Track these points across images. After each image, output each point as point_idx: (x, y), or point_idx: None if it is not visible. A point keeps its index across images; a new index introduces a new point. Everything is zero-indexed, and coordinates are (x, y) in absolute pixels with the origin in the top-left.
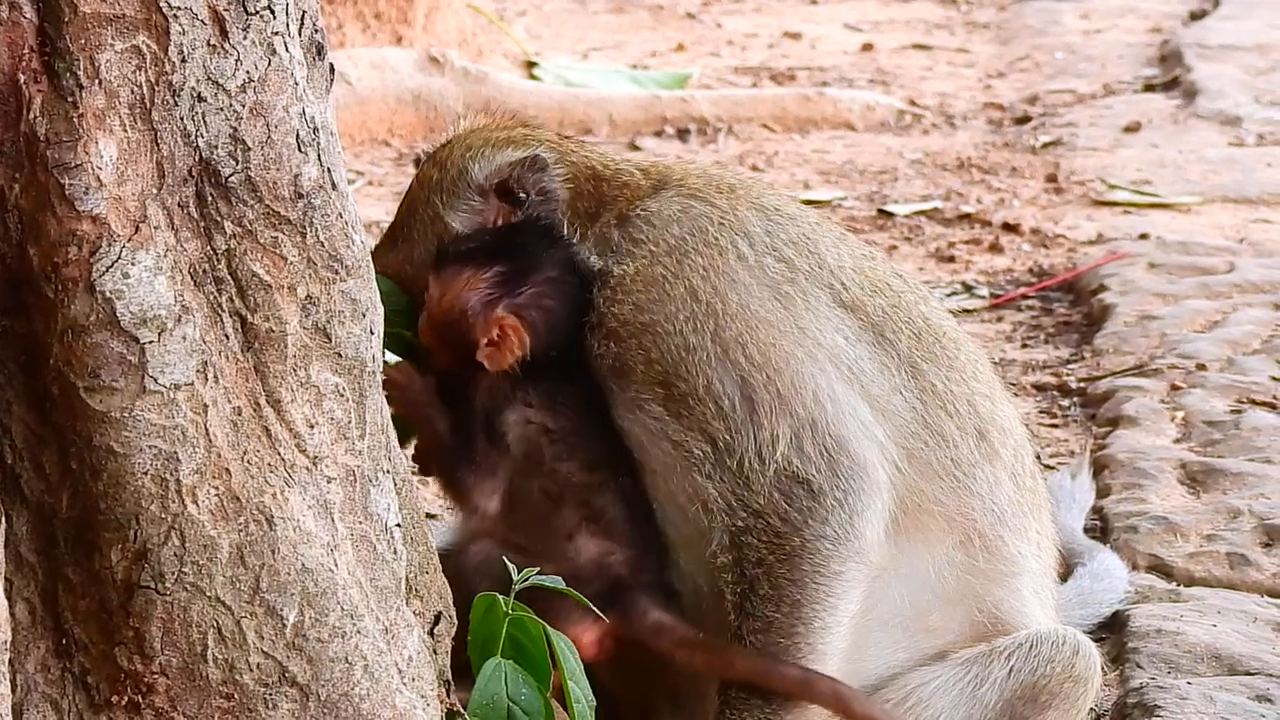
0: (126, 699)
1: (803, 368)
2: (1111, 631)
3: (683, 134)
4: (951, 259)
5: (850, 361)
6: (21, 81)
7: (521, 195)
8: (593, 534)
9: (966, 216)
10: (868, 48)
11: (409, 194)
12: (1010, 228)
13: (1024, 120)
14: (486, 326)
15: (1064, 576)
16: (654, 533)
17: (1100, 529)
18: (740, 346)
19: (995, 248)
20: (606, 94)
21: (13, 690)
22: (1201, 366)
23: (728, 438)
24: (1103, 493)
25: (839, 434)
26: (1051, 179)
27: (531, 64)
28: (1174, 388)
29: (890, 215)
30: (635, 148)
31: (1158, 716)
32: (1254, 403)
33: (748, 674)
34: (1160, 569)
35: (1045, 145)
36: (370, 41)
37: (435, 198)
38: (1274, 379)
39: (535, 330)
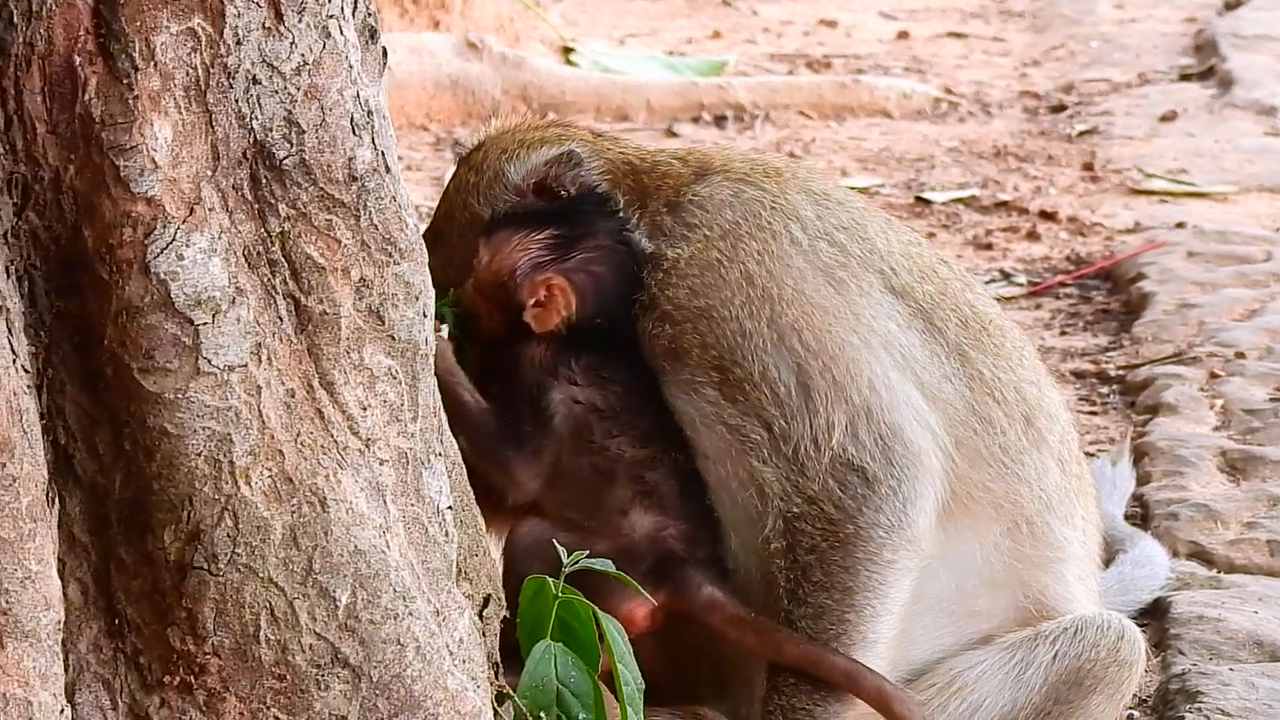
0: (179, 679)
1: (858, 354)
2: (1153, 618)
3: (720, 120)
4: (989, 246)
5: (903, 348)
6: (77, 63)
7: (560, 192)
8: (647, 509)
9: (1003, 204)
10: (903, 36)
11: (446, 197)
12: (1047, 216)
13: (1060, 109)
14: (534, 288)
15: (1106, 563)
16: (707, 508)
17: (1141, 516)
18: (796, 332)
19: (1033, 235)
20: (643, 80)
21: (65, 670)
22: (1240, 355)
23: (783, 424)
24: (1143, 480)
25: (893, 421)
26: (1088, 167)
27: (568, 50)
28: (1213, 376)
29: (928, 203)
30: (672, 134)
31: (1200, 702)
32: None
33: (795, 659)
34: (1201, 556)
35: (1081, 134)
36: (408, 26)
37: (473, 201)
38: None
39: (582, 294)
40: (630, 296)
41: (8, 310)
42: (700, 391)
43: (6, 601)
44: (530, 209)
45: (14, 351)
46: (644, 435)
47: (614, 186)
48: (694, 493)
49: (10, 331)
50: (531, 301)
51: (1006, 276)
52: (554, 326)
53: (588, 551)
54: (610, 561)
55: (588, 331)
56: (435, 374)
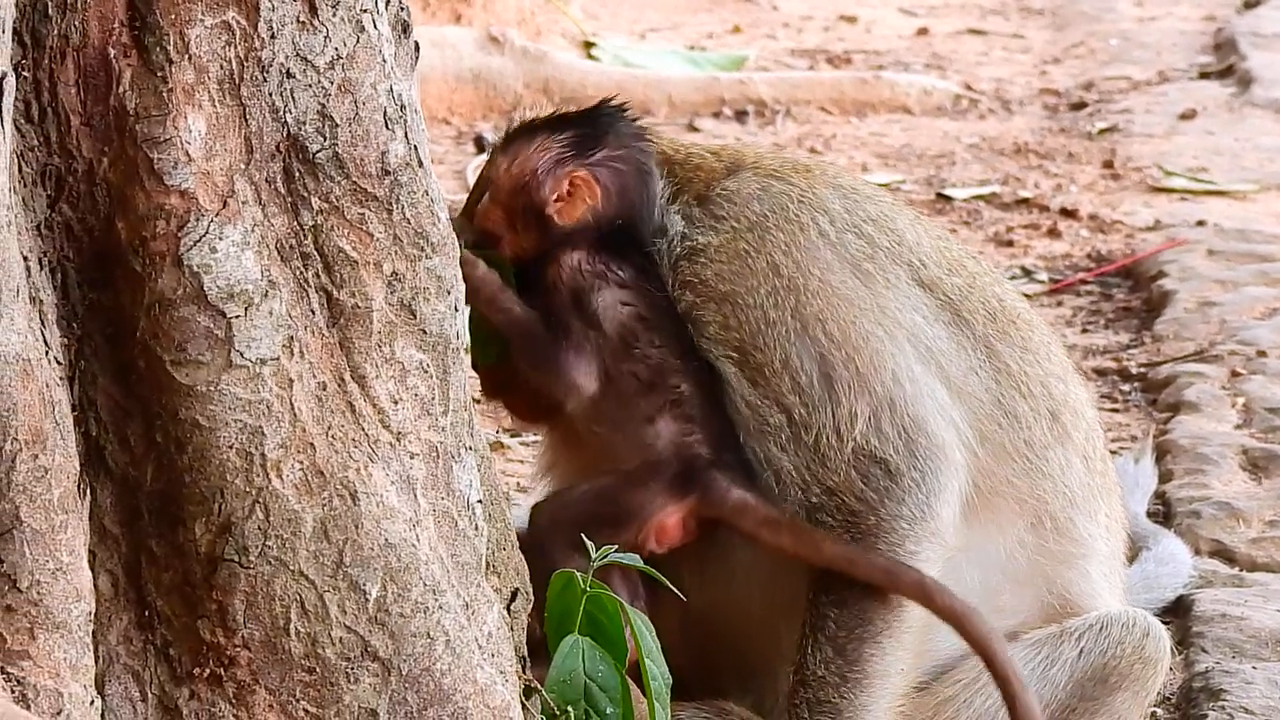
0: (208, 671)
1: (882, 346)
2: (1176, 616)
3: (740, 115)
4: (1010, 243)
5: (928, 341)
6: (111, 55)
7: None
8: (675, 417)
9: (1024, 201)
10: (923, 32)
11: (471, 201)
12: (1068, 213)
13: (1080, 106)
14: (556, 183)
15: (1129, 560)
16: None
17: (1163, 514)
18: (820, 323)
19: (1053, 233)
20: (665, 75)
21: (95, 661)
22: (1262, 353)
23: (804, 413)
24: (1165, 478)
25: (917, 414)
26: (1108, 165)
27: (589, 44)
28: (1235, 374)
29: (949, 199)
30: (693, 129)
31: (1223, 700)
32: None
33: (832, 558)
34: (1223, 554)
35: (1101, 131)
36: (430, 20)
37: None
38: None
39: (606, 188)
40: (652, 203)
41: (41, 302)
42: (721, 365)
43: (38, 593)
44: (533, 121)
45: (47, 343)
46: (679, 342)
47: None
48: (717, 399)
49: (43, 323)
50: (554, 197)
51: (1028, 274)
52: (580, 218)
53: (616, 548)
54: (637, 556)
55: (618, 237)
56: (484, 298)
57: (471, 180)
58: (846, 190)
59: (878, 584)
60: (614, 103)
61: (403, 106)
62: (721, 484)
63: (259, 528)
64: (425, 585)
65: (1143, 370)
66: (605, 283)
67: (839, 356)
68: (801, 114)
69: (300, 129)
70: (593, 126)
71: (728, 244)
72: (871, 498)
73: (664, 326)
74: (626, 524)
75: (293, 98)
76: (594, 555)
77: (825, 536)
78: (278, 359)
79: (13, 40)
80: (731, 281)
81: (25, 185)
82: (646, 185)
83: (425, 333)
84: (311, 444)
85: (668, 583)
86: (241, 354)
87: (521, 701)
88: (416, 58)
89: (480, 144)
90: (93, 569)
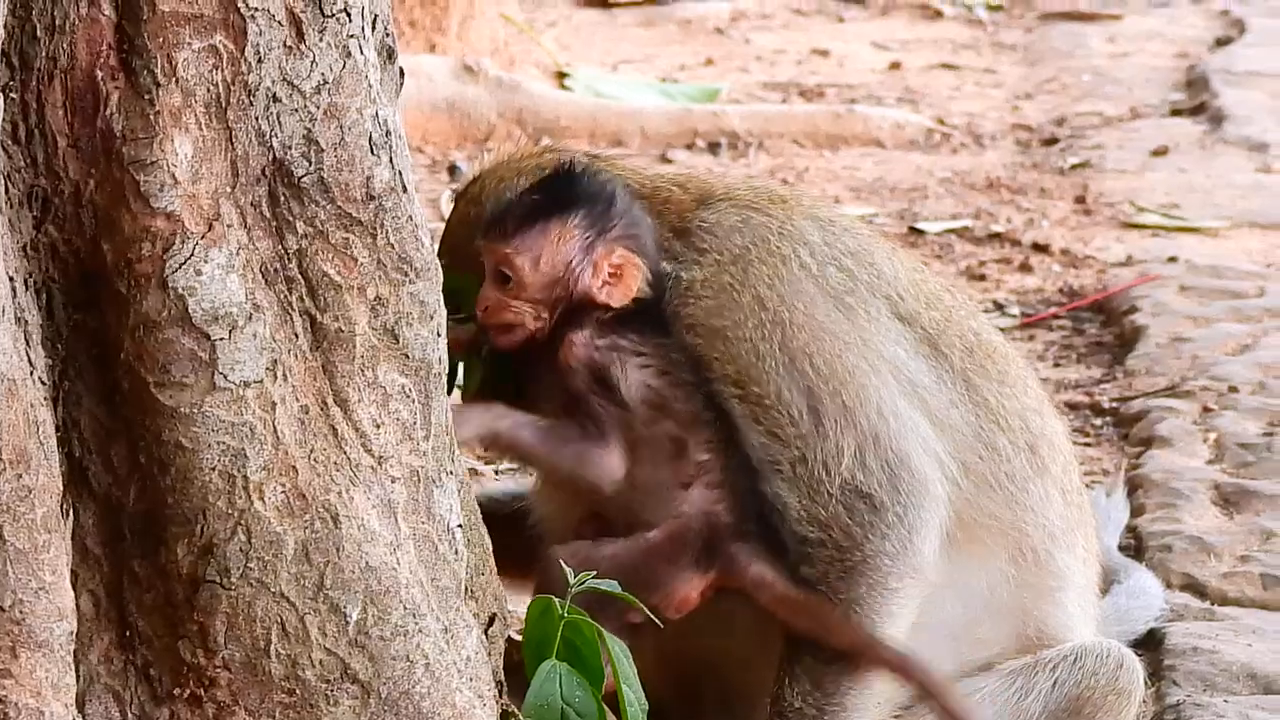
0: (189, 692)
1: (867, 380)
2: (1147, 649)
3: (713, 147)
4: (982, 277)
5: (910, 374)
6: (99, 78)
7: None
8: (707, 484)
9: (996, 236)
10: (895, 66)
11: (448, 233)
12: (1040, 248)
13: (1052, 141)
14: (598, 268)
15: (1101, 594)
16: (755, 477)
17: (1135, 548)
18: (807, 357)
19: (1025, 267)
20: (638, 106)
21: (76, 681)
22: (1234, 389)
23: (800, 447)
24: (1137, 512)
25: (900, 448)
26: (1080, 200)
27: (563, 75)
28: (1206, 409)
29: (921, 233)
30: (666, 160)
31: None
32: None
33: (845, 645)
34: (1194, 588)
35: (1074, 167)
36: (404, 49)
37: (477, 233)
38: None
39: (645, 256)
40: (660, 252)
41: (26, 323)
42: (729, 404)
43: (20, 612)
44: (540, 196)
45: (31, 364)
46: (700, 389)
47: None
48: (741, 462)
49: (28, 344)
50: (600, 283)
51: (1000, 308)
52: (634, 298)
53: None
54: (619, 576)
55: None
56: (497, 434)
57: (446, 209)
58: (824, 222)
59: (892, 674)
60: (580, 160)
61: (388, 132)
62: (743, 558)
63: (241, 549)
64: (405, 609)
65: (1114, 405)
66: (622, 353)
67: (826, 390)
68: (774, 147)
69: (286, 153)
70: (596, 198)
71: (712, 277)
72: (856, 533)
73: (683, 376)
74: (649, 593)
75: (279, 122)
76: (572, 581)
77: (840, 620)
78: (261, 382)
79: (1, 62)
80: (720, 316)
81: (11, 206)
82: (653, 237)
83: (408, 357)
84: (294, 467)
85: (646, 610)
86: (225, 376)
87: None
88: (401, 84)
89: (454, 172)
90: (75, 589)
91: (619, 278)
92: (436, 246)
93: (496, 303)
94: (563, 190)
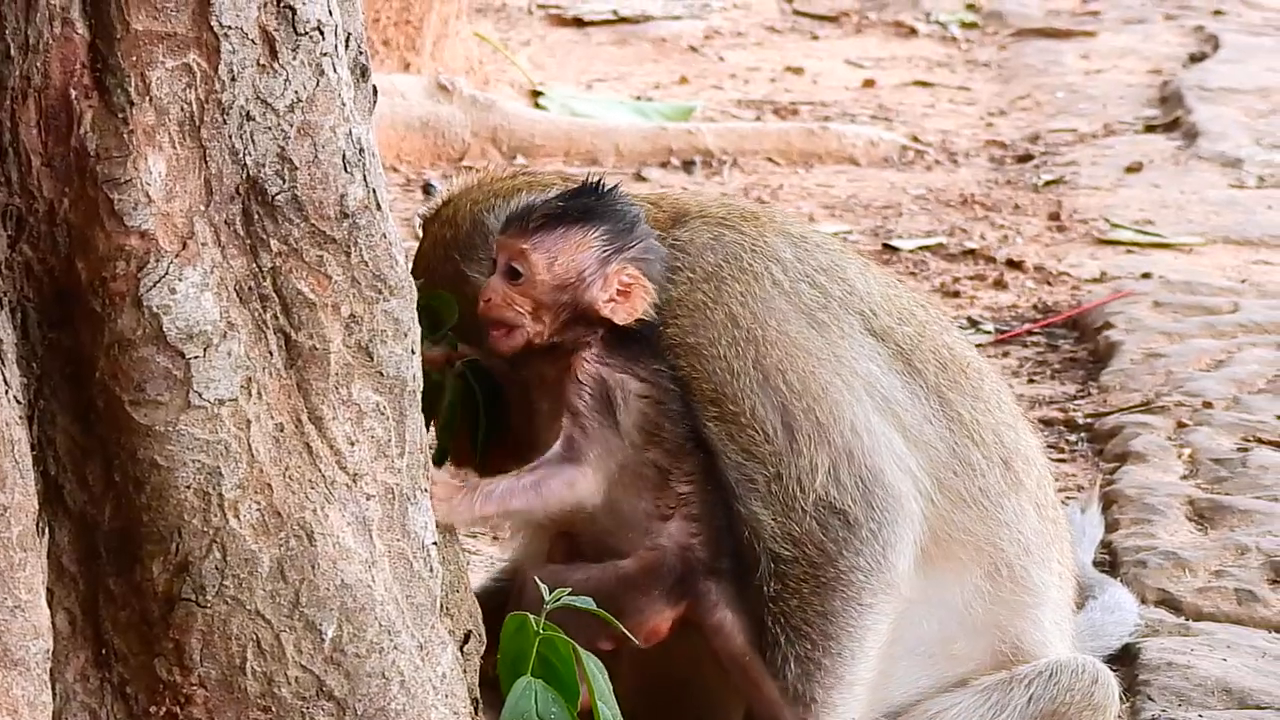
0: (165, 709)
1: (840, 396)
2: (1122, 664)
3: (688, 165)
4: (956, 294)
5: (884, 390)
6: (73, 97)
7: None
8: (686, 516)
9: (970, 252)
10: (869, 84)
11: (422, 256)
12: (1014, 264)
13: (1026, 158)
14: (608, 282)
15: (1076, 609)
16: (731, 511)
17: (1110, 563)
18: (780, 373)
19: (999, 284)
20: (613, 124)
21: (52, 699)
22: (1208, 404)
23: (774, 464)
24: (1111, 527)
25: (874, 465)
26: (1054, 217)
27: (537, 93)
28: (1181, 425)
29: (895, 250)
30: (641, 178)
31: None
32: (1260, 441)
33: (765, 706)
34: (1169, 603)
35: (1048, 183)
36: (379, 68)
37: (454, 254)
38: (1279, 418)
39: (654, 282)
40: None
41: (1, 341)
42: (708, 425)
43: None
44: (565, 204)
45: (6, 383)
46: (687, 419)
47: None
48: (719, 496)
49: (3, 363)
50: (606, 298)
51: (974, 324)
52: (637, 318)
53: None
54: (590, 599)
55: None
56: (486, 517)
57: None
58: (796, 238)
59: None
60: (609, 181)
61: (361, 150)
62: (711, 599)
63: (216, 567)
64: (380, 626)
65: (1089, 421)
66: (627, 375)
67: (799, 407)
68: (748, 164)
69: (260, 171)
70: (620, 218)
71: (686, 296)
72: (830, 549)
73: (674, 406)
74: (620, 621)
75: (252, 140)
76: (548, 597)
77: (771, 693)
78: (236, 400)
79: None
80: (695, 334)
81: None
82: (663, 267)
83: (382, 375)
84: (269, 484)
85: (621, 627)
86: (200, 394)
87: None
88: (374, 102)
89: (428, 191)
90: (51, 607)
91: (626, 296)
92: (410, 265)
93: (503, 297)
94: (589, 202)
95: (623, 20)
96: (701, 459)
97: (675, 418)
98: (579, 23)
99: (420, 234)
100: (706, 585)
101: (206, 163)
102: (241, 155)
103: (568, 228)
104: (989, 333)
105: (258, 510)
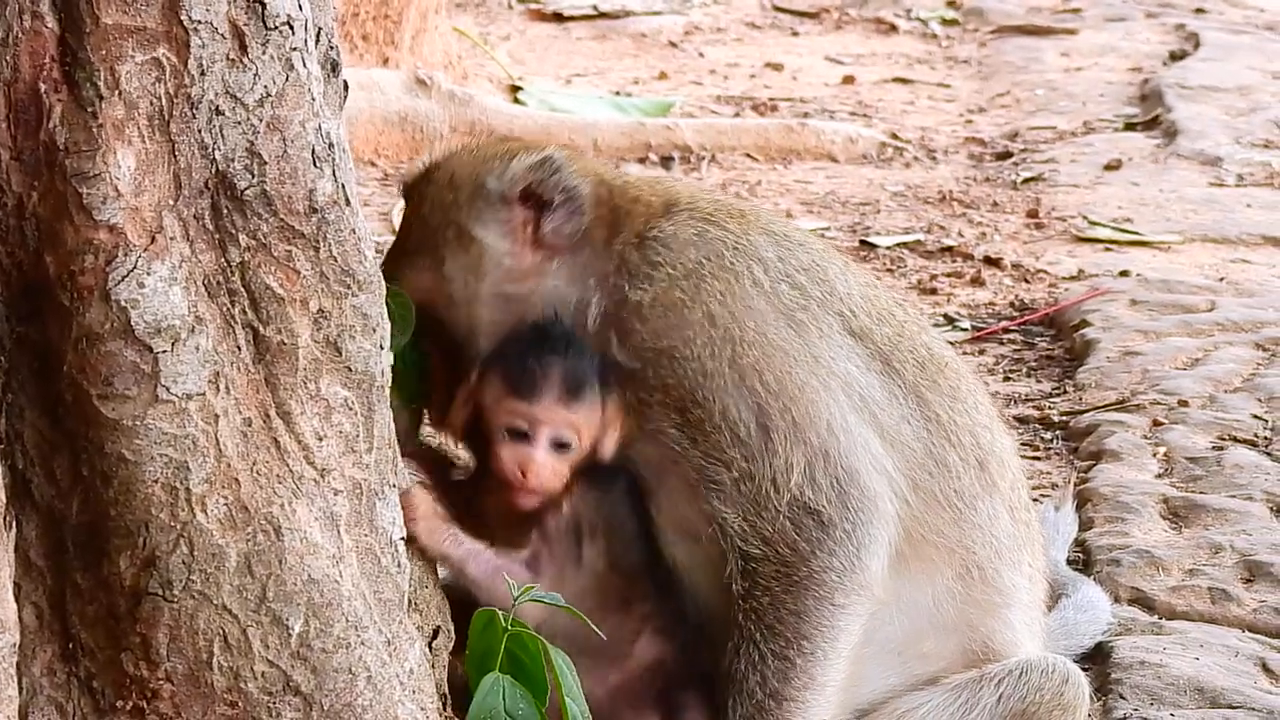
0: (131, 704)
1: (817, 396)
2: (1095, 663)
3: (666, 161)
4: (933, 291)
5: (861, 390)
6: (42, 90)
7: (547, 198)
8: (653, 632)
9: (948, 249)
10: (849, 80)
11: (422, 220)
12: (992, 262)
13: (1005, 156)
14: (609, 423)
15: (1048, 607)
16: (702, 616)
17: (1083, 561)
18: (757, 373)
19: (977, 281)
20: (591, 119)
21: (19, 693)
22: (1183, 403)
23: (744, 464)
24: (1085, 526)
25: (850, 465)
26: (1032, 214)
27: (516, 88)
28: (1156, 423)
29: (873, 247)
30: None
31: None
32: (1235, 440)
33: None
34: (1142, 602)
35: (1026, 181)
36: (357, 62)
37: (456, 216)
38: (1255, 417)
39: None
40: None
41: None
42: (665, 433)
43: None
44: (574, 372)
45: None
46: (641, 522)
47: (594, 197)
48: (681, 606)
49: None
50: (606, 438)
51: (951, 321)
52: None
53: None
54: (559, 596)
55: None
56: (446, 557)
57: (397, 222)
58: (779, 238)
59: None
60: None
61: (331, 145)
62: (690, 711)
63: (183, 562)
64: (347, 621)
65: (1064, 419)
66: (596, 515)
67: (775, 407)
68: (727, 160)
69: (229, 166)
70: (586, 348)
71: (663, 294)
72: (804, 548)
73: (628, 528)
74: None
75: (222, 135)
76: (516, 594)
77: None
78: (204, 394)
79: None
80: (668, 336)
81: None
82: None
83: (350, 370)
84: (236, 479)
85: (591, 624)
86: (168, 389)
87: None
88: (345, 96)
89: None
90: (18, 601)
91: (615, 429)
92: (383, 259)
93: (553, 471)
94: (581, 347)
95: (602, 15)
96: (659, 575)
97: (628, 541)
98: (559, 18)
99: (405, 200)
100: (685, 696)
101: (175, 157)
102: (211, 150)
103: (589, 387)
104: (966, 330)
105: (225, 505)
